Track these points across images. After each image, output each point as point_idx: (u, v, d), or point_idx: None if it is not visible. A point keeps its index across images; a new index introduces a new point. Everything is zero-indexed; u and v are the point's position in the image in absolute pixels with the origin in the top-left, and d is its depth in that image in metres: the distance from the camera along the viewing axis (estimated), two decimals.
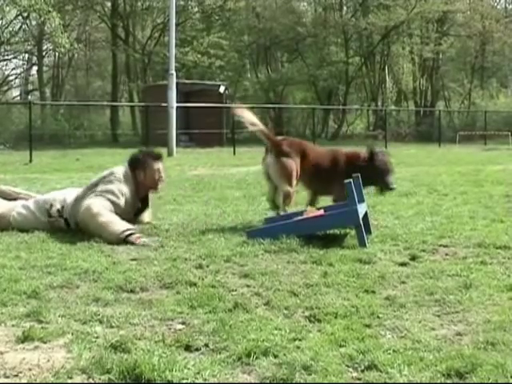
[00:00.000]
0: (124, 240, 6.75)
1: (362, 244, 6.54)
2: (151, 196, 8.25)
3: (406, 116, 52.50)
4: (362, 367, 3.43)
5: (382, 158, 7.96)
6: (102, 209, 7.10)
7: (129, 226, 7.01)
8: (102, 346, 3.68)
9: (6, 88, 56.05)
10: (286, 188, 7.77)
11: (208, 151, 28.61)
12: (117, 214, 7.26)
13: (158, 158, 7.87)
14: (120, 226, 6.93)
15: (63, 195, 7.66)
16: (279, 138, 8.32)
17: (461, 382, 3.27)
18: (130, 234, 6.82)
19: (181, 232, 7.38)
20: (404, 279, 5.29)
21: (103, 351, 3.59)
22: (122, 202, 7.43)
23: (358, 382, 3.29)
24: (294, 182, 7.82)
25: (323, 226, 7.00)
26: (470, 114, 51.02)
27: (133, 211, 7.77)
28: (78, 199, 7.44)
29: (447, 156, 24.80)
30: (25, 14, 43.27)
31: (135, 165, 7.73)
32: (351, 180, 6.77)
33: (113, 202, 7.33)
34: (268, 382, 3.26)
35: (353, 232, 6.83)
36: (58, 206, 7.46)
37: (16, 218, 7.53)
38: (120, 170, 7.66)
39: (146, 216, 8.06)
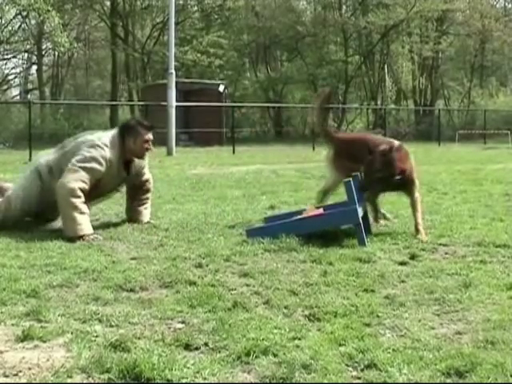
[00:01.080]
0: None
1: (362, 243, 6.54)
2: (150, 195, 8.26)
3: (406, 115, 52.53)
4: (362, 366, 3.43)
5: (375, 154, 7.23)
6: (75, 199, 7.12)
7: (87, 231, 7.07)
8: (101, 345, 3.68)
9: (5, 87, 56.02)
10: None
11: (207, 150, 28.62)
12: (96, 180, 7.36)
13: (150, 128, 7.86)
14: (80, 229, 7.02)
15: (43, 159, 7.80)
16: (338, 134, 8.31)
17: (460, 380, 3.27)
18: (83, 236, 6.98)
19: (180, 231, 7.38)
20: (403, 278, 5.30)
21: (103, 350, 3.60)
22: (103, 168, 7.40)
23: (357, 381, 3.29)
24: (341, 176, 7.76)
25: (323, 224, 6.99)
26: (470, 113, 51.02)
27: (118, 179, 7.78)
28: (65, 153, 7.58)
29: (447, 155, 24.80)
30: (24, 13, 43.21)
31: (126, 131, 7.71)
32: (350, 179, 6.77)
33: (93, 170, 7.31)
34: (268, 381, 3.27)
35: (352, 231, 6.84)
36: (46, 170, 7.60)
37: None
38: (106, 135, 7.66)
39: (145, 215, 8.07)
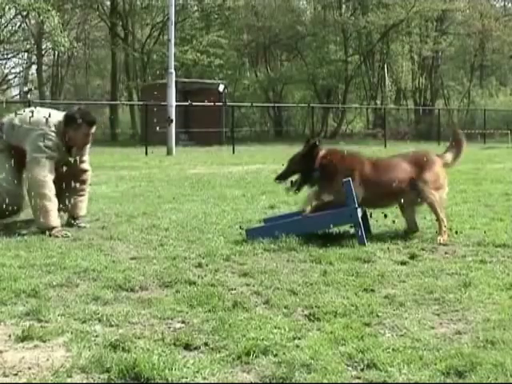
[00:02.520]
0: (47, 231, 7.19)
1: (362, 242, 6.54)
2: (87, 188, 8.25)
3: (406, 115, 52.49)
4: (362, 366, 3.43)
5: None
6: (48, 190, 7.37)
7: (58, 223, 7.37)
8: (101, 345, 3.68)
9: (5, 87, 55.99)
10: None
11: (207, 150, 28.62)
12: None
13: (92, 123, 7.92)
14: (53, 220, 7.30)
15: None
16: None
17: (460, 380, 3.27)
18: (54, 229, 7.23)
19: (180, 231, 7.38)
20: (403, 278, 5.30)
21: (102, 350, 3.60)
22: (56, 154, 7.60)
23: (357, 380, 3.29)
24: None
25: (322, 224, 6.99)
26: (470, 113, 50.97)
27: (62, 162, 7.82)
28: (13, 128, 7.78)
29: None
30: (24, 13, 43.19)
31: (70, 122, 7.78)
32: (349, 179, 6.76)
33: (52, 157, 7.54)
34: (267, 380, 3.27)
35: (352, 231, 6.84)
36: None
37: None
38: (54, 121, 7.73)
39: (81, 209, 8.05)
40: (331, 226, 7.04)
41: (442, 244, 6.68)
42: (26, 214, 7.96)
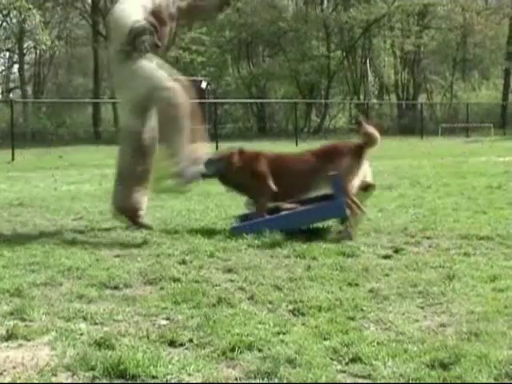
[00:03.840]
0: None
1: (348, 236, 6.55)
2: None
3: (388, 109, 52.61)
4: (347, 360, 3.43)
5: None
6: None
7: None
8: (86, 343, 3.68)
9: None
10: None
11: None
12: None
13: None
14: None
15: None
16: None
17: (445, 373, 3.28)
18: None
19: (164, 228, 7.37)
20: (387, 272, 5.31)
21: (87, 348, 3.59)
22: None
23: (342, 374, 3.30)
24: None
25: (311, 218, 6.99)
26: (452, 107, 51.21)
27: None
28: None
29: (430, 148, 24.85)
30: (5, 12, 43.02)
31: None
32: (337, 173, 6.76)
33: None
34: (252, 376, 3.27)
35: (336, 225, 6.86)
36: None
37: None
38: None
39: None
40: (321, 219, 7.07)
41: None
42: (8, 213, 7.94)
